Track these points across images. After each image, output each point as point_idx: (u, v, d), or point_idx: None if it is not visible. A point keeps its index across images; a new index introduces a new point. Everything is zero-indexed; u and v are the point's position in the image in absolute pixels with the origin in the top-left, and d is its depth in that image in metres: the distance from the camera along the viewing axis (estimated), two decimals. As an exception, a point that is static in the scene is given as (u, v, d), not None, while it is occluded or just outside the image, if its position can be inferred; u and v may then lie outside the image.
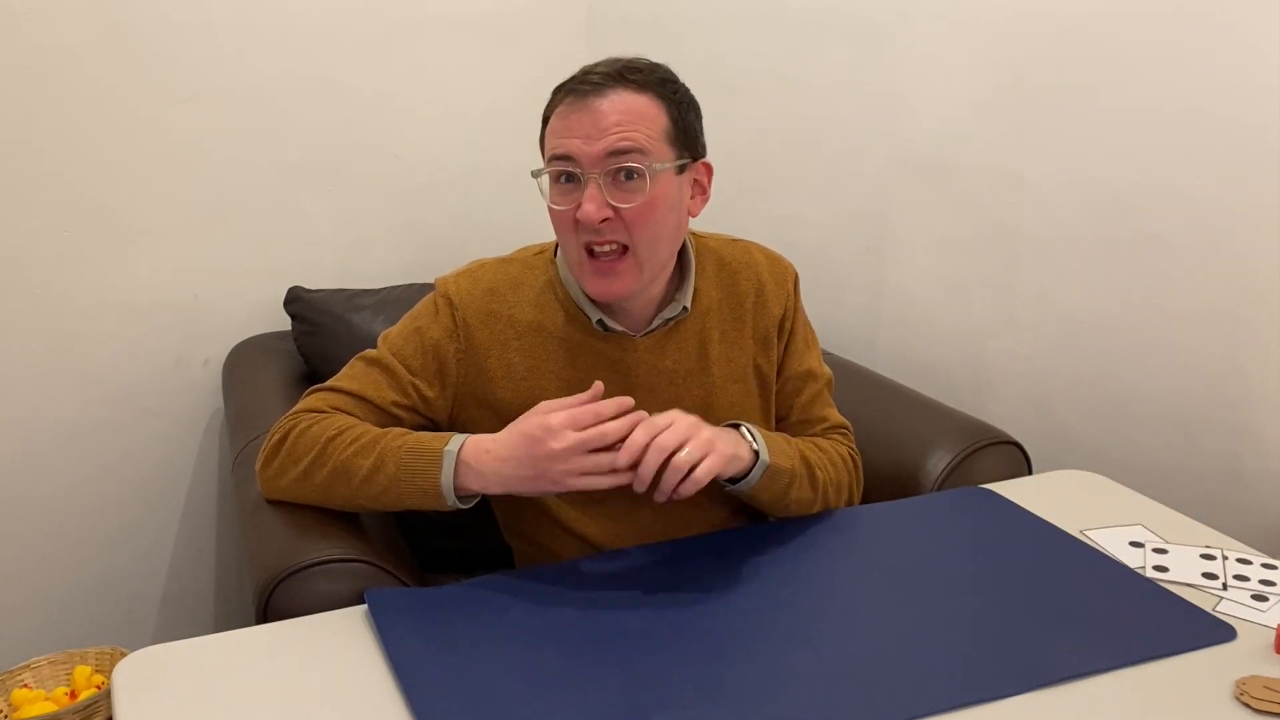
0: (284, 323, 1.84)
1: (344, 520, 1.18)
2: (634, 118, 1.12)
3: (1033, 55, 1.58)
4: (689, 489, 1.06)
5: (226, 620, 2.08)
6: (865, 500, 1.34)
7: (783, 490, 1.19)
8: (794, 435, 1.31)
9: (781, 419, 1.32)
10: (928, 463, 1.40)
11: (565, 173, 1.13)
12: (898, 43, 1.77)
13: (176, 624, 2.04)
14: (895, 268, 1.87)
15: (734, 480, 1.16)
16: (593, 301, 1.21)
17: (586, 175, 1.12)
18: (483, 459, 1.10)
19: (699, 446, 1.06)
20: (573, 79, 1.15)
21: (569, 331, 1.21)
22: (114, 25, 1.74)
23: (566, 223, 1.15)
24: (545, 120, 1.18)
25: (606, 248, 1.14)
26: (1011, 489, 1.31)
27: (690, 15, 2.04)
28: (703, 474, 1.06)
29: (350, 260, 2.01)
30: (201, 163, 1.86)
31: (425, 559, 1.37)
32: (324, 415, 1.18)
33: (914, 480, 1.39)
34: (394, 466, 1.11)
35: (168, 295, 1.88)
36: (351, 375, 1.22)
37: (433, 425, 1.24)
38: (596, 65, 1.15)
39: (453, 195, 2.07)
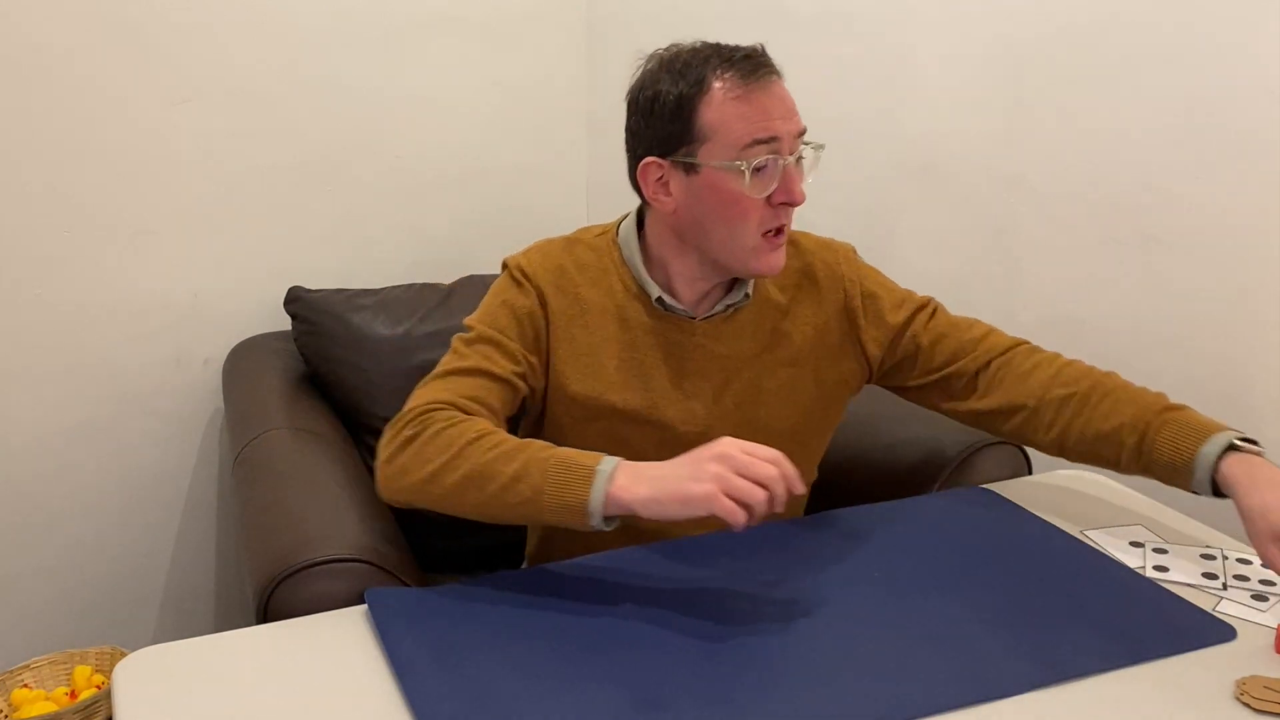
0: (284, 323, 1.84)
1: (344, 520, 1.18)
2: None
3: (1033, 55, 1.58)
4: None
5: (226, 620, 2.08)
6: (865, 500, 1.34)
7: None
8: (973, 371, 1.26)
9: (949, 364, 1.27)
10: (928, 463, 1.40)
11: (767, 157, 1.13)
12: (898, 42, 1.77)
13: (176, 624, 2.04)
14: (895, 268, 1.87)
15: None
16: (654, 280, 1.22)
17: (784, 158, 1.14)
18: (640, 468, 1.03)
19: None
20: (728, 58, 1.14)
21: (631, 313, 1.23)
22: (114, 25, 1.75)
23: (752, 208, 1.15)
24: (688, 103, 1.14)
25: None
26: (1012, 489, 1.31)
27: (690, 15, 2.04)
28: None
29: (350, 260, 2.01)
30: (201, 163, 1.86)
31: (425, 559, 1.37)
32: (461, 417, 1.12)
33: (914, 480, 1.39)
34: (539, 477, 1.05)
35: (168, 295, 1.88)
36: (463, 354, 1.19)
37: (533, 398, 1.25)
38: (737, 47, 1.16)
39: (453, 195, 2.07)
